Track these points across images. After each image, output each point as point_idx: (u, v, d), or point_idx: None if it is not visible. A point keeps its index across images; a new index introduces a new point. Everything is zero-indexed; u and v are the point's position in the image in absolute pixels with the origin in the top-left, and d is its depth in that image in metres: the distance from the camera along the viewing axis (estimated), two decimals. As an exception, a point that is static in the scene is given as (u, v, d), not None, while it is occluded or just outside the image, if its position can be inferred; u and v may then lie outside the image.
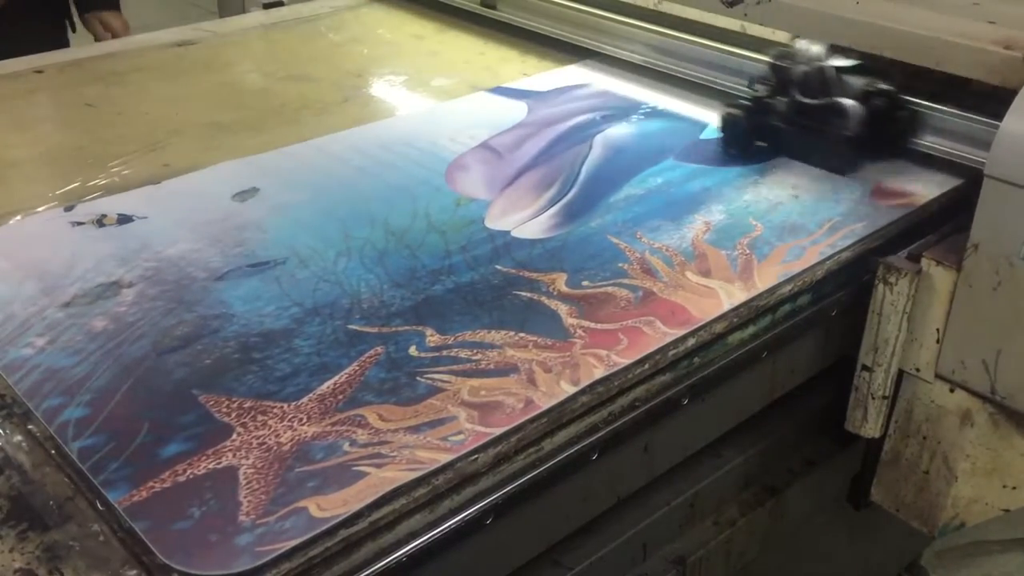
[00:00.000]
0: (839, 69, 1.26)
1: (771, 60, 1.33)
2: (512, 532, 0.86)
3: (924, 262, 1.05)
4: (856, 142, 1.23)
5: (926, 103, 1.24)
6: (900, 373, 1.11)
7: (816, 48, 1.27)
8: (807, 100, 1.25)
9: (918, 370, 1.10)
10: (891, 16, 1.25)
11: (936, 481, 1.13)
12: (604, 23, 1.64)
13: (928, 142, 1.25)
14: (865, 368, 1.11)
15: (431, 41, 1.81)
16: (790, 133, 1.28)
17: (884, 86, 1.25)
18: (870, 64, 1.26)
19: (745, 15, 1.40)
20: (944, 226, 1.12)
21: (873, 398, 1.11)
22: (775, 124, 1.29)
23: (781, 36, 1.40)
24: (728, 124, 1.33)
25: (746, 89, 1.39)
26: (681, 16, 1.54)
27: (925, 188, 1.22)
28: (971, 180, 1.19)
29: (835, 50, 1.27)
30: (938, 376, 1.09)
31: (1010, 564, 1.43)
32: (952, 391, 1.09)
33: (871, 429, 1.13)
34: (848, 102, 1.22)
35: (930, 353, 1.08)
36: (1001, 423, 1.07)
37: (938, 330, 1.07)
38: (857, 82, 1.24)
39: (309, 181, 1.27)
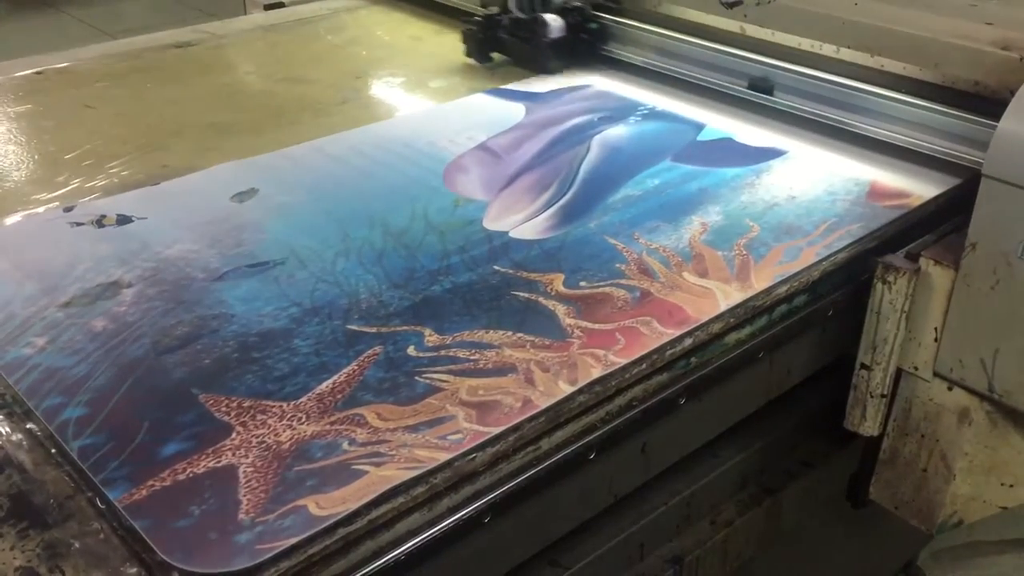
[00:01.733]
0: None
1: None
2: (510, 531, 0.86)
3: (922, 261, 1.06)
4: (557, 48, 1.60)
5: (613, 18, 1.61)
6: (898, 372, 1.12)
7: None
8: (521, 15, 1.61)
9: (916, 369, 1.11)
10: (889, 17, 1.25)
11: (934, 479, 1.14)
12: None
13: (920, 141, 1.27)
14: (864, 367, 1.11)
15: (429, 43, 1.81)
16: (512, 43, 1.64)
17: (577, 3, 1.61)
18: None
19: (745, 16, 1.41)
20: (941, 226, 1.12)
21: (872, 396, 1.12)
22: (501, 36, 1.64)
23: (780, 38, 1.41)
24: (467, 37, 1.66)
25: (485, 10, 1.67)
26: (680, 18, 1.54)
27: (921, 189, 1.22)
28: (966, 181, 1.20)
29: None
30: (936, 374, 1.09)
31: (1006, 564, 1.44)
32: (950, 389, 1.09)
33: (870, 427, 1.14)
34: (549, 16, 1.59)
35: (928, 352, 1.09)
36: (999, 421, 1.08)
37: (936, 329, 1.07)
38: (557, 0, 1.61)
39: (308, 182, 1.27)
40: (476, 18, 1.66)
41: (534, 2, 1.61)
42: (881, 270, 1.06)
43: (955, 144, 1.24)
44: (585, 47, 1.63)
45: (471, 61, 1.66)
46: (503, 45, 1.65)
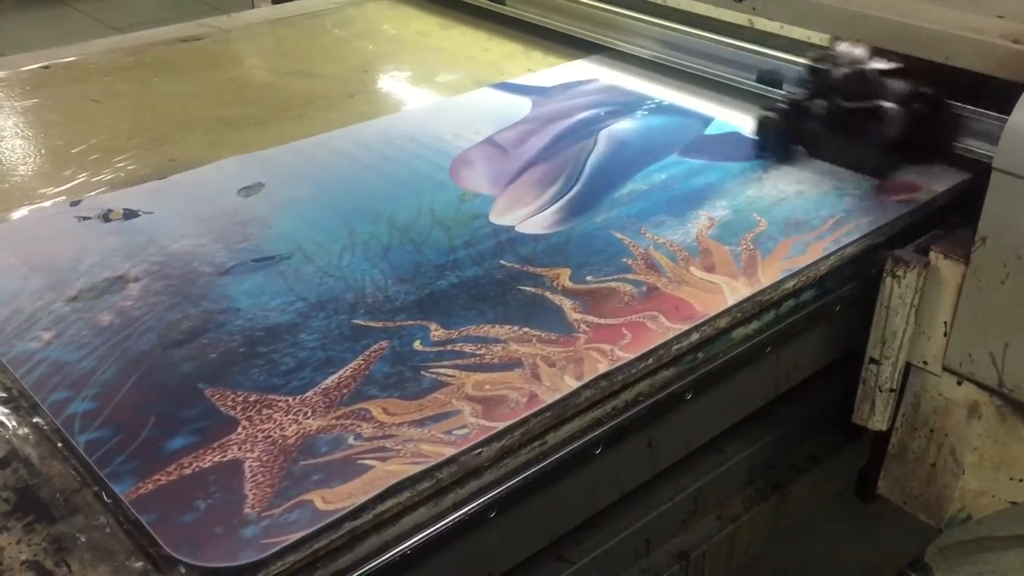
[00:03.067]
0: (880, 72, 1.22)
1: (809, 62, 1.30)
2: (516, 526, 0.86)
3: (932, 255, 1.05)
4: (896, 145, 1.21)
5: (959, 103, 1.21)
6: (907, 366, 1.11)
7: (858, 51, 1.24)
8: (846, 103, 1.22)
9: (925, 363, 1.10)
10: (899, 10, 1.24)
11: (943, 474, 1.13)
12: (610, 17, 1.64)
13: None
14: (873, 361, 1.11)
15: (436, 37, 1.81)
16: (827, 136, 1.26)
17: (926, 89, 1.21)
18: (912, 67, 1.22)
19: (754, 9, 1.40)
20: (951, 220, 1.12)
21: (880, 391, 1.11)
22: (812, 128, 1.26)
23: (789, 31, 1.40)
24: (764, 127, 1.31)
25: (781, 93, 1.37)
26: (688, 10, 1.53)
27: (929, 183, 1.21)
28: (977, 175, 1.19)
29: (876, 53, 1.24)
30: (945, 369, 1.09)
31: (1014, 560, 1.43)
32: (959, 384, 1.09)
33: (878, 422, 1.14)
34: (888, 105, 1.20)
35: (938, 346, 1.08)
36: (1008, 416, 1.07)
37: (946, 323, 1.07)
38: (898, 85, 1.21)
39: (314, 176, 1.27)
40: (779, 104, 1.31)
41: (868, 87, 1.21)
42: (891, 264, 1.06)
43: (965, 137, 1.23)
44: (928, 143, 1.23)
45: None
46: (814, 140, 1.27)
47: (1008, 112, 1.01)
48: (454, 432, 0.81)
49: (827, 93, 1.25)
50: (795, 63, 1.39)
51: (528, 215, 1.17)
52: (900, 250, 1.07)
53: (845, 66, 1.23)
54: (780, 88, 1.42)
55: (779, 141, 1.29)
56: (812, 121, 1.26)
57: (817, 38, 1.37)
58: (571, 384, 0.87)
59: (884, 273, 1.06)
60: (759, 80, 1.44)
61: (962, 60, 1.18)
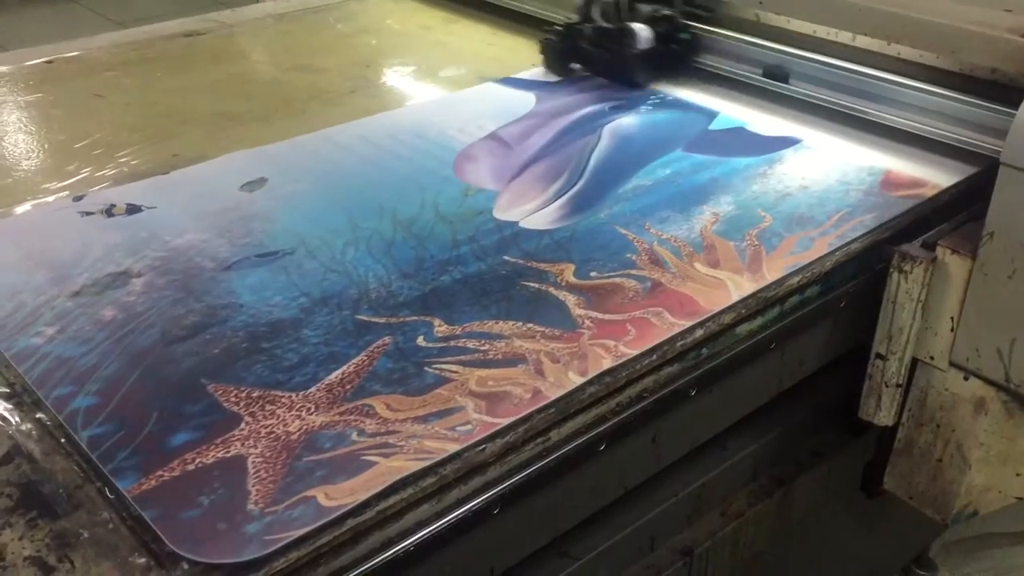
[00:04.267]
0: None
1: None
2: (519, 522, 0.86)
3: (939, 250, 1.05)
4: (646, 60, 1.47)
5: (706, 27, 1.49)
6: (914, 361, 1.11)
7: None
8: (606, 25, 1.48)
9: (932, 358, 1.10)
10: (907, 4, 1.24)
11: (949, 469, 1.13)
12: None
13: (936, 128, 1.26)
14: (879, 356, 1.10)
15: (439, 31, 1.80)
16: (595, 54, 1.50)
17: (668, 12, 1.48)
18: None
19: (760, 3, 1.39)
20: (958, 215, 1.11)
21: (887, 386, 1.11)
22: (584, 47, 1.51)
23: (797, 25, 1.40)
24: (546, 48, 1.55)
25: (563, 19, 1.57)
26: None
27: (936, 177, 1.21)
28: (983, 170, 1.18)
29: None
30: (952, 364, 1.08)
31: (1019, 557, 1.43)
32: (966, 379, 1.08)
33: (885, 417, 1.13)
34: (637, 25, 1.46)
35: (944, 341, 1.08)
36: (1015, 411, 1.07)
37: (952, 318, 1.06)
38: (646, 8, 1.49)
39: (317, 171, 1.27)
40: (556, 27, 1.55)
41: (621, 11, 1.49)
42: (898, 259, 1.05)
43: (972, 132, 1.23)
44: (675, 59, 1.50)
45: (543, 70, 1.55)
46: (585, 56, 1.52)
47: (1016, 107, 1.00)
48: (458, 428, 0.81)
49: (592, 18, 1.51)
50: (803, 58, 1.39)
51: (532, 210, 1.17)
52: (907, 245, 1.06)
53: None
54: (786, 82, 1.42)
55: (559, 59, 1.54)
56: (584, 41, 1.51)
57: (824, 32, 1.37)
58: (575, 380, 0.87)
59: (891, 268, 1.06)
60: (765, 74, 1.43)
61: (970, 54, 1.18)
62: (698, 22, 1.50)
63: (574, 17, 1.54)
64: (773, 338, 1.02)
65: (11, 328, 0.95)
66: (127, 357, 0.91)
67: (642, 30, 1.44)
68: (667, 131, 1.37)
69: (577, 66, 1.53)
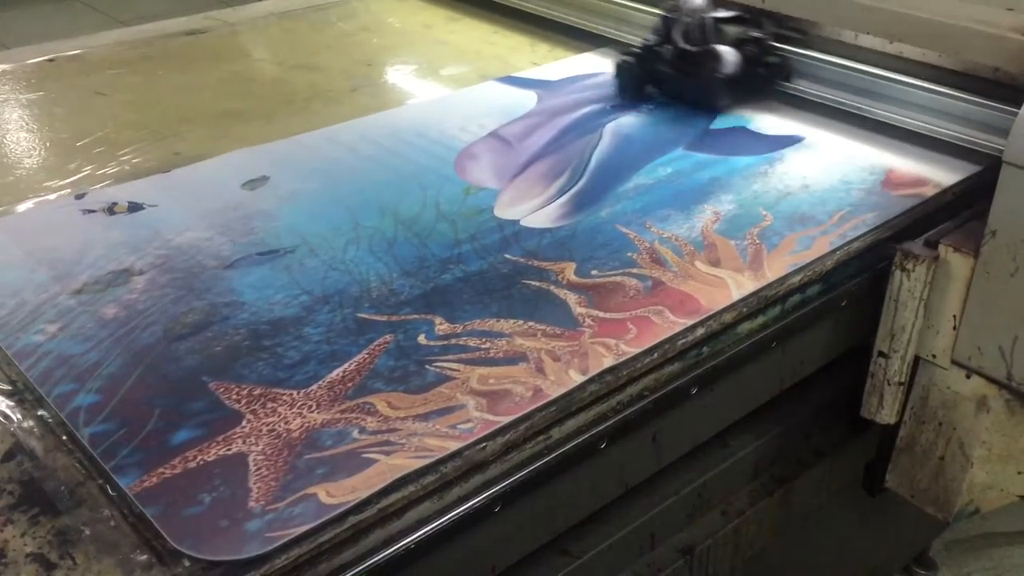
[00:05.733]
0: (717, 19, 1.39)
1: (661, 12, 1.44)
2: (520, 520, 0.86)
3: (942, 249, 1.05)
4: (731, 84, 1.38)
5: (795, 49, 1.40)
6: (916, 359, 1.11)
7: (699, 0, 1.40)
8: (689, 47, 1.39)
9: (934, 356, 1.10)
10: (910, 3, 1.24)
11: (951, 467, 1.13)
12: (616, 10, 1.63)
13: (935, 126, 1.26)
14: (881, 354, 1.10)
15: (441, 30, 1.80)
16: (675, 78, 1.42)
17: (756, 34, 1.39)
18: (746, 15, 1.41)
19: (763, 1, 1.39)
20: (959, 214, 1.11)
21: (889, 384, 1.11)
22: (663, 70, 1.43)
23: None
24: (621, 71, 1.46)
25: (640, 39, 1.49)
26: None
27: (938, 176, 1.21)
28: (985, 169, 1.18)
29: (716, 2, 1.41)
30: (954, 362, 1.08)
31: (1019, 556, 1.43)
32: (968, 377, 1.08)
33: (887, 415, 1.13)
34: (723, 48, 1.36)
35: (947, 339, 1.08)
36: (1017, 409, 1.07)
37: (955, 317, 1.06)
38: (733, 30, 1.39)
39: (319, 170, 1.27)
40: (634, 49, 1.46)
41: (706, 33, 1.38)
42: (900, 257, 1.05)
43: (974, 131, 1.23)
44: (761, 83, 1.41)
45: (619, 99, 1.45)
46: (663, 80, 1.43)
47: (1018, 106, 1.00)
48: (459, 426, 0.81)
49: (674, 39, 1.41)
50: (806, 56, 1.38)
51: (533, 209, 1.17)
52: (909, 243, 1.06)
53: (689, 15, 1.39)
54: (788, 80, 1.42)
55: (634, 83, 1.45)
56: (662, 64, 1.42)
57: (826, 30, 1.37)
58: (576, 378, 0.87)
59: (893, 267, 1.06)
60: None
61: (973, 53, 1.18)
62: (788, 44, 1.41)
63: (651, 38, 1.44)
64: (774, 337, 1.02)
65: (13, 326, 0.95)
66: (129, 355, 0.91)
67: (728, 53, 1.36)
68: (668, 130, 1.37)
69: (653, 90, 1.45)
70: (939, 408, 1.12)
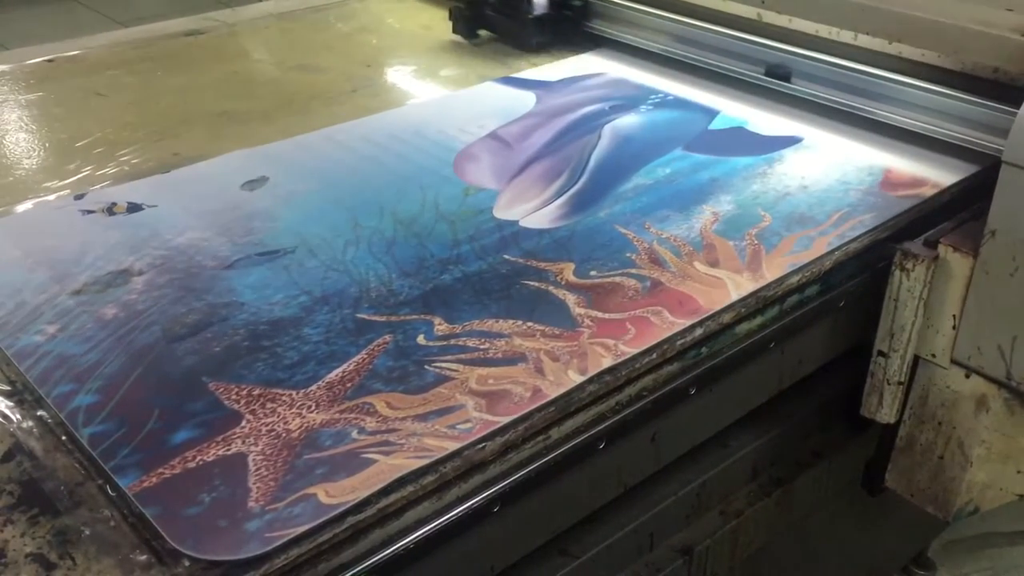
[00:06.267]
0: None
1: None
2: (519, 520, 0.86)
3: (941, 248, 1.05)
4: (540, 24, 1.64)
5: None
6: (916, 359, 1.11)
7: None
8: None
9: (934, 356, 1.10)
10: (910, 3, 1.24)
11: (951, 466, 1.13)
12: (615, 10, 1.63)
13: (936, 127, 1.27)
14: (881, 354, 1.11)
15: (440, 31, 1.80)
16: (497, 19, 1.68)
17: None
18: None
19: (763, 2, 1.40)
20: (958, 213, 1.11)
21: (889, 384, 1.11)
22: (488, 14, 1.69)
23: (798, 24, 1.39)
24: (456, 15, 1.70)
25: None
26: (694, 3, 1.53)
27: (936, 176, 1.21)
28: (984, 169, 1.19)
29: None
30: (954, 362, 1.09)
31: (1017, 557, 1.43)
32: (968, 377, 1.08)
33: (886, 415, 1.13)
34: None
35: (946, 339, 1.08)
36: (1016, 409, 1.07)
37: (954, 316, 1.06)
38: None
39: (318, 170, 1.27)
40: None
41: None
42: (899, 257, 1.05)
43: (973, 131, 1.23)
44: (569, 25, 1.65)
45: (458, 38, 1.71)
46: (489, 22, 1.69)
47: (1017, 105, 1.00)
48: (458, 426, 0.81)
49: None
50: (805, 57, 1.39)
51: (532, 210, 1.17)
52: (909, 243, 1.06)
53: None
54: (788, 81, 1.42)
55: (468, 26, 1.70)
56: (488, 8, 1.68)
57: (826, 31, 1.37)
58: (575, 379, 0.87)
59: (893, 266, 1.06)
60: (767, 73, 1.43)
61: (972, 53, 1.18)
62: None
63: None
64: (773, 337, 1.02)
65: (12, 326, 0.95)
66: (128, 355, 0.91)
67: None
68: (667, 130, 1.37)
69: (483, 32, 1.70)
70: (939, 407, 1.12)
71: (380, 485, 0.75)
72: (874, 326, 1.11)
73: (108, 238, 1.11)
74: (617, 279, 1.02)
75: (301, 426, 0.82)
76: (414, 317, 0.96)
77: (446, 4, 1.89)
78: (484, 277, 1.03)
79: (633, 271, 1.03)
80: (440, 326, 0.95)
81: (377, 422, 0.82)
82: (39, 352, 0.91)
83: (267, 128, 1.39)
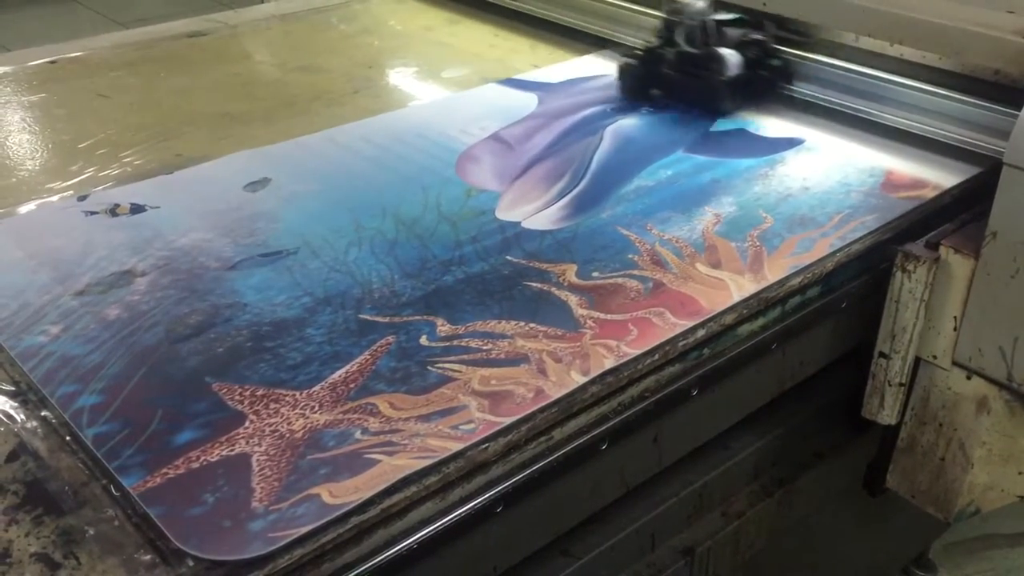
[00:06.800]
0: (719, 22, 1.40)
1: (663, 15, 1.44)
2: (522, 520, 0.86)
3: (942, 250, 1.05)
4: (734, 86, 1.38)
5: (797, 52, 1.40)
6: (917, 360, 1.11)
7: (700, 3, 1.40)
8: (691, 50, 1.39)
9: (935, 357, 1.10)
10: (911, 5, 1.25)
11: (952, 468, 1.14)
12: (616, 12, 1.63)
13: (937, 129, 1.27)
14: (882, 355, 1.11)
15: (441, 32, 1.81)
16: (678, 80, 1.42)
17: (758, 36, 1.39)
18: (748, 17, 1.41)
19: (764, 4, 1.40)
20: (960, 215, 1.12)
21: (890, 385, 1.12)
22: (666, 72, 1.43)
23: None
24: (624, 73, 1.47)
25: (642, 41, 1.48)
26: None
27: (937, 178, 1.21)
28: (985, 171, 1.19)
29: (718, 5, 1.42)
30: (955, 363, 1.09)
31: (1019, 558, 1.43)
32: (969, 378, 1.09)
33: (888, 416, 1.14)
34: (725, 51, 1.36)
35: (947, 340, 1.08)
36: (1017, 410, 1.08)
37: (955, 318, 1.07)
38: (735, 33, 1.39)
39: (320, 172, 1.27)
40: (636, 51, 1.47)
41: (708, 35, 1.39)
42: (901, 259, 1.06)
43: (974, 133, 1.23)
44: (765, 85, 1.42)
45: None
46: (667, 82, 1.43)
47: (1018, 108, 1.00)
48: (461, 427, 0.81)
49: (676, 42, 1.41)
50: (807, 58, 1.39)
51: (534, 211, 1.17)
52: (910, 244, 1.07)
53: (690, 17, 1.39)
54: (791, 83, 1.42)
55: (638, 85, 1.45)
56: (665, 66, 1.42)
57: (827, 32, 1.37)
58: (577, 380, 0.87)
59: (894, 268, 1.06)
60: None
61: (973, 56, 1.18)
62: (790, 47, 1.41)
63: (654, 41, 1.45)
64: (774, 338, 1.03)
65: (16, 327, 0.95)
66: (132, 355, 0.91)
67: (730, 55, 1.36)
68: (669, 132, 1.37)
69: (656, 92, 1.44)
70: (940, 409, 1.12)
71: (383, 485, 0.75)
72: (875, 327, 1.11)
73: (111, 239, 1.11)
74: (619, 280, 1.02)
75: (304, 426, 0.82)
76: (417, 318, 0.96)
77: (447, 5, 1.90)
78: (486, 278, 1.03)
79: (635, 272, 1.04)
80: (443, 327, 0.95)
81: (380, 423, 0.82)
82: (43, 353, 0.91)
83: (269, 129, 1.40)
